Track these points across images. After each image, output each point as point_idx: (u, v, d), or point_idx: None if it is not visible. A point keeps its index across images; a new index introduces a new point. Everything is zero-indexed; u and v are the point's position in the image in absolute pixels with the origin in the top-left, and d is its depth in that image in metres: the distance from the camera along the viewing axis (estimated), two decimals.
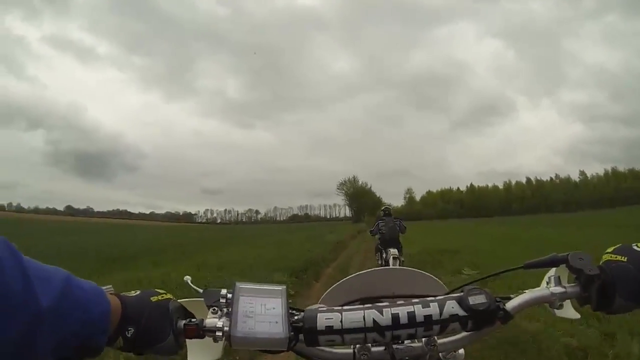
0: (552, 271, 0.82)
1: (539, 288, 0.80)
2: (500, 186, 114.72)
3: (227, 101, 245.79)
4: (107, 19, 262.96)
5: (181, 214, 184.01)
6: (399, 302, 0.76)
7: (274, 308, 0.72)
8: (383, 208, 10.34)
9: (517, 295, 0.79)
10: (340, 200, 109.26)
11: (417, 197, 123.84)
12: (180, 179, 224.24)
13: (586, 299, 0.76)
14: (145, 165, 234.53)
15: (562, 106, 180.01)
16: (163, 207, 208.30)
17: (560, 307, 0.78)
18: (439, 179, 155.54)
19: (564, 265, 0.78)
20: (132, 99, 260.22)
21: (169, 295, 0.75)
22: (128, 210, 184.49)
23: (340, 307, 0.77)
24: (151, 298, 0.72)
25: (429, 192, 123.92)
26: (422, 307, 0.74)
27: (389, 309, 0.74)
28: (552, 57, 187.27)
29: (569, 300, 0.78)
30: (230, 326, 0.69)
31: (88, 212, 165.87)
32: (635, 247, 0.75)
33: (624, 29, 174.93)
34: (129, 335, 0.67)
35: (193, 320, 0.74)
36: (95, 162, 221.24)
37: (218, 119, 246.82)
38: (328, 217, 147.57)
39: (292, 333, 0.72)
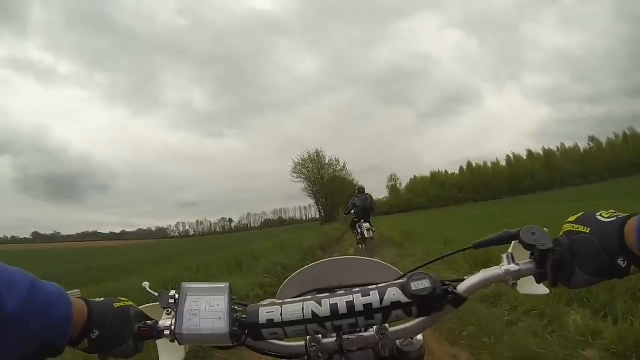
0: (510, 248, 0.78)
1: (493, 267, 0.77)
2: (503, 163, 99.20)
3: (195, 112, 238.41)
4: (65, 37, 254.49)
5: (154, 229, 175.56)
6: (339, 293, 0.76)
7: (217, 305, 0.74)
8: (358, 187, 12.26)
9: (469, 277, 0.78)
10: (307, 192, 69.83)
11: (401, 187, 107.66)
12: (155, 194, 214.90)
13: (543, 275, 0.73)
14: (118, 184, 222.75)
15: (527, 91, 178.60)
16: (139, 224, 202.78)
17: (515, 285, 0.75)
18: (411, 171, 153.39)
19: (518, 241, 0.75)
20: (98, 117, 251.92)
21: (130, 302, 0.79)
22: (98, 231, 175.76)
23: (281, 301, 0.77)
24: (114, 304, 0.76)
25: (415, 179, 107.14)
26: (362, 296, 0.73)
27: (327, 299, 0.74)
28: (514, 44, 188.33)
29: (531, 277, 0.75)
30: (175, 324, 0.72)
31: (55, 237, 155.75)
32: (599, 217, 0.70)
33: (581, 12, 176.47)
34: (94, 337, 0.70)
35: (148, 322, 0.77)
36: (65, 184, 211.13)
37: (187, 131, 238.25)
38: (304, 219, 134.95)
39: (238, 328, 0.74)
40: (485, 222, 16.35)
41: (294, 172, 60.74)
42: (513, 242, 0.78)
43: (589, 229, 0.69)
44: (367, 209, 11.34)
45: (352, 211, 11.69)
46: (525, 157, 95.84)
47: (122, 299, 0.79)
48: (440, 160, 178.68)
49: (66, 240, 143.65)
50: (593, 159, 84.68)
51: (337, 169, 63.46)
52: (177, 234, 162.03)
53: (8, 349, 0.58)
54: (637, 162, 73.47)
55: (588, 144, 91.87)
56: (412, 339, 0.87)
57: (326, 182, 61.85)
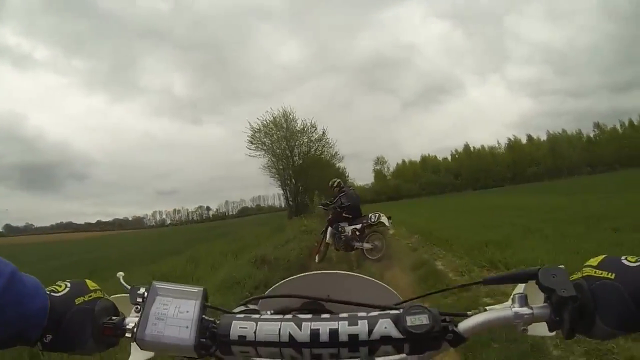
0: (521, 287, 0.70)
1: (502, 305, 0.69)
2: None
3: (175, 99, 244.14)
4: (42, 21, 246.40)
5: (130, 219, 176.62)
6: (322, 317, 0.67)
7: (187, 311, 0.67)
8: (337, 181, 10.18)
9: (474, 313, 0.68)
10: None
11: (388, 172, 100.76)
12: (134, 183, 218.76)
13: (558, 323, 0.64)
14: (96, 173, 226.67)
15: (510, 82, 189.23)
16: (118, 213, 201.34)
17: (525, 331, 0.67)
18: (393, 159, 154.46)
19: (534, 281, 0.67)
20: (76, 103, 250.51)
21: (97, 294, 0.72)
22: (73, 221, 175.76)
23: (257, 316, 0.68)
24: (76, 299, 0.69)
25: (403, 163, 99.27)
26: (348, 325, 0.64)
27: (308, 323, 0.65)
28: (498, 36, 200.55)
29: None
30: (138, 327, 0.66)
31: (27, 230, 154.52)
32: (625, 262, 0.62)
33: (568, 6, 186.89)
34: (47, 341, 0.66)
35: (113, 318, 0.70)
36: (41, 173, 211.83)
37: (167, 118, 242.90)
38: (282, 206, 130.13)
39: (207, 340, 0.67)
40: (514, 216, 13.22)
41: (251, 142, 37.87)
42: (523, 285, 0.69)
43: (613, 275, 0.61)
44: (358, 206, 9.75)
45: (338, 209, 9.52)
46: (524, 142, 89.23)
47: (90, 286, 0.71)
48: (422, 149, 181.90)
49: (39, 232, 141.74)
50: (600, 147, 78.91)
51: (312, 138, 40.24)
52: (153, 223, 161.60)
53: None
54: None
55: (593, 130, 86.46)
56: None
57: (297, 156, 39.65)
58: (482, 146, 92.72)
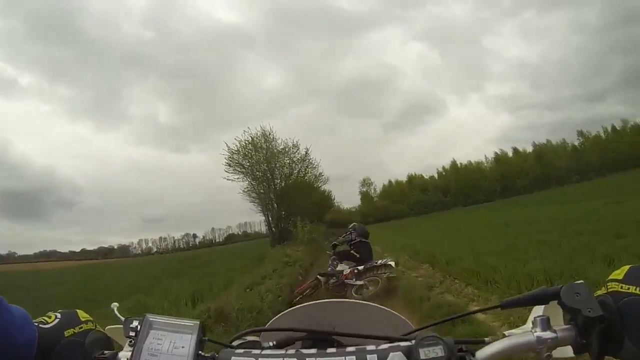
0: (541, 308, 0.66)
1: (521, 330, 0.65)
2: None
3: (160, 126, 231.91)
4: (27, 47, 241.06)
5: (116, 247, 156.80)
6: (328, 351, 0.64)
7: (182, 347, 0.64)
8: (354, 224, 9.84)
9: (493, 340, 0.65)
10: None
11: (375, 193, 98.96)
12: (121, 211, 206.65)
13: (585, 347, 0.60)
14: (82, 201, 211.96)
15: (488, 99, 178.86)
16: (104, 242, 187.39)
17: (549, 357, 0.62)
18: (379, 180, 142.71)
19: (556, 302, 0.63)
20: (61, 131, 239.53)
21: (89, 325, 0.71)
22: (57, 250, 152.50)
23: (258, 351, 0.67)
24: (66, 331, 0.68)
25: (389, 184, 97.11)
26: (356, 359, 0.61)
27: (313, 358, 0.63)
28: (475, 55, 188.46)
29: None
30: None
31: (9, 258, 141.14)
32: None
33: (539, 24, 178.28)
34: None
35: (105, 352, 0.69)
36: (26, 200, 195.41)
37: (152, 145, 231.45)
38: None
39: None
40: (532, 232, 11.46)
41: (229, 165, 34.87)
42: (544, 305, 0.65)
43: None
44: (369, 247, 9.02)
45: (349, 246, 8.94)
46: (511, 155, 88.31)
47: (82, 317, 0.71)
48: (407, 169, 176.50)
49: (22, 260, 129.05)
50: (587, 154, 78.71)
51: (294, 159, 37.35)
52: (139, 252, 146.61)
53: None
54: (634, 154, 68.05)
55: (577, 138, 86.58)
56: None
57: (279, 178, 36.45)
58: (469, 161, 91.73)
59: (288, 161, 37.11)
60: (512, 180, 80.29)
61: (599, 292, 0.60)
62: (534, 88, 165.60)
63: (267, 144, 35.79)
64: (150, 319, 0.66)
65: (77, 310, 0.71)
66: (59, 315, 0.68)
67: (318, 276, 8.51)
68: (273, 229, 35.78)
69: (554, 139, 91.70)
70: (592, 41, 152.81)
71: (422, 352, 0.57)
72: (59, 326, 0.66)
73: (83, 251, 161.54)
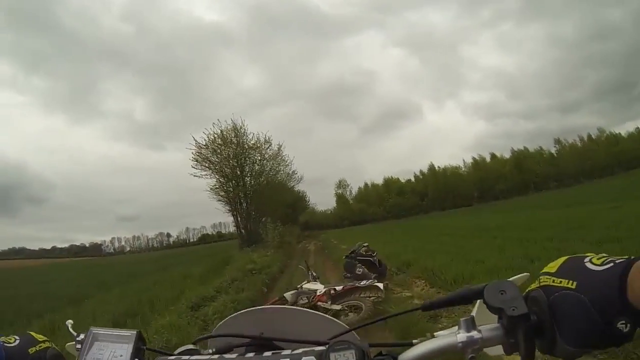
0: (474, 308, 0.65)
1: (447, 331, 0.62)
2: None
3: (136, 123, 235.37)
4: (1, 36, 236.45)
5: (87, 245, 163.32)
6: (247, 356, 0.66)
7: (121, 356, 0.68)
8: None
9: (419, 342, 0.62)
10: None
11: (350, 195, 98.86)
12: (94, 208, 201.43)
13: (513, 346, 0.57)
14: (54, 197, 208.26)
15: (465, 107, 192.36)
16: (76, 239, 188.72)
17: (473, 359, 0.59)
18: (355, 183, 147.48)
19: (482, 301, 0.60)
20: (34, 124, 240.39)
21: (47, 344, 0.76)
22: (26, 247, 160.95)
23: (187, 357, 0.69)
24: (30, 349, 0.72)
25: (365, 187, 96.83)
26: None
27: None
28: (453, 63, 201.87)
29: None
30: None
31: None
32: (589, 265, 0.54)
33: (517, 35, 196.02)
34: None
35: None
36: None
37: (127, 142, 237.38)
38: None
39: None
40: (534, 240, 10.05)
41: (196, 160, 32.02)
42: (478, 301, 0.63)
43: (574, 284, 0.53)
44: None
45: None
46: (489, 160, 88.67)
47: (39, 337, 0.75)
48: (383, 172, 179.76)
49: None
50: (564, 161, 79.63)
51: (266, 155, 34.58)
52: (112, 251, 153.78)
53: None
54: (609, 162, 71.74)
55: (554, 146, 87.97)
56: None
57: (249, 175, 33.61)
58: (448, 166, 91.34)
59: (259, 158, 34.29)
60: (490, 185, 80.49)
61: (532, 286, 0.58)
62: (510, 97, 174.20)
63: (238, 139, 32.84)
64: (94, 331, 0.69)
65: (31, 332, 0.74)
66: (17, 337, 0.71)
67: (284, 295, 6.87)
68: (242, 230, 33.57)
69: (529, 147, 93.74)
70: (567, 54, 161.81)
71: (333, 356, 0.57)
72: (23, 344, 0.70)
73: (54, 249, 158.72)
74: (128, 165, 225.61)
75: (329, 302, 6.08)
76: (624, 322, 0.49)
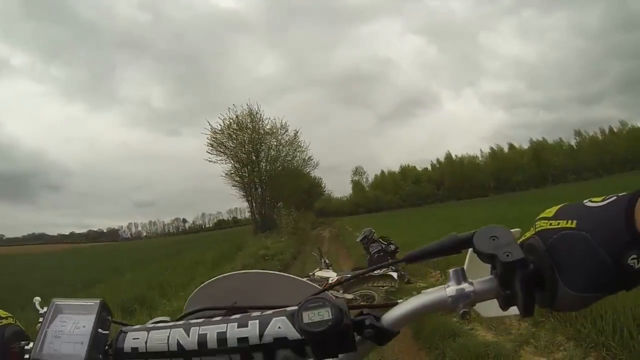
0: (466, 261, 0.60)
1: (436, 288, 0.56)
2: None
3: (153, 110, 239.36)
4: (21, 26, 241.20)
5: (105, 230, 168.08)
6: (213, 320, 0.61)
7: (84, 326, 0.64)
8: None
9: (403, 301, 0.58)
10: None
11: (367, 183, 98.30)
12: (111, 194, 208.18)
13: (510, 298, 0.50)
14: (72, 183, 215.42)
15: (483, 96, 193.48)
16: (94, 225, 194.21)
17: (466, 315, 0.53)
18: (371, 171, 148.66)
19: (472, 250, 0.54)
20: (52, 112, 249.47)
21: (8, 320, 0.72)
22: (46, 233, 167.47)
23: (152, 324, 0.65)
24: None
25: (382, 174, 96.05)
26: (238, 327, 0.58)
27: (197, 327, 0.60)
28: (472, 51, 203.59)
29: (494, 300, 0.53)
30: (34, 348, 0.64)
31: None
32: (588, 204, 0.49)
33: (539, 24, 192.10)
34: None
35: (22, 343, 0.68)
36: (15, 182, 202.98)
37: (145, 129, 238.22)
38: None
39: (103, 356, 0.64)
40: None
41: (211, 145, 31.82)
42: (469, 252, 0.58)
43: (574, 222, 0.47)
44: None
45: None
46: (507, 150, 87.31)
47: (2, 313, 0.72)
48: (400, 161, 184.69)
49: (9, 243, 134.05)
50: (583, 154, 77.97)
51: (282, 141, 34.16)
52: (128, 236, 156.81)
53: None
54: (630, 157, 68.33)
55: (575, 138, 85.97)
56: None
57: (265, 161, 33.17)
58: (465, 155, 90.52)
59: (275, 143, 34.10)
60: (507, 175, 79.38)
61: (527, 235, 0.52)
62: (530, 87, 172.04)
63: (253, 124, 32.59)
64: (57, 302, 0.66)
65: None
66: None
67: None
68: (256, 216, 33.40)
69: (548, 138, 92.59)
70: (590, 44, 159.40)
71: (306, 315, 0.53)
72: None
73: (72, 234, 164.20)
74: (145, 152, 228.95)
75: (341, 291, 5.87)
76: (635, 256, 0.43)
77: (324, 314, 0.52)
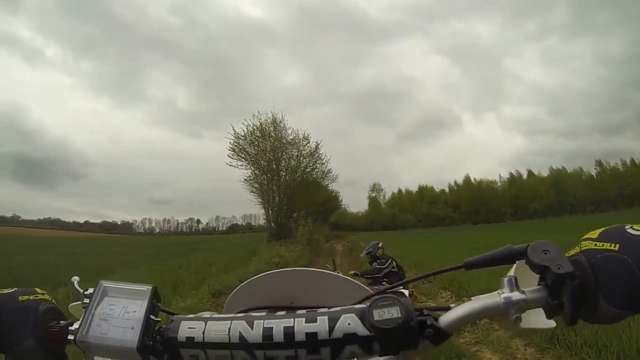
0: (512, 270, 0.61)
1: (489, 294, 0.59)
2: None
3: (177, 111, 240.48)
4: (56, 20, 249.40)
5: (119, 223, 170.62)
6: (278, 314, 0.61)
7: (134, 311, 0.63)
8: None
9: (457, 305, 0.60)
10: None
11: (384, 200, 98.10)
12: (128, 188, 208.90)
13: (557, 308, 0.54)
14: (92, 174, 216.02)
15: (504, 121, 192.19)
16: (108, 216, 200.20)
17: (518, 320, 0.56)
18: (389, 188, 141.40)
19: (524, 261, 0.58)
20: (79, 104, 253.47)
21: (44, 297, 0.70)
22: (61, 219, 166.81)
23: (209, 315, 0.64)
24: (20, 296, 0.68)
25: (399, 192, 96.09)
26: (306, 322, 0.57)
27: (261, 321, 0.59)
28: (495, 76, 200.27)
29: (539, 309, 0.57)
30: (80, 328, 0.62)
31: (13, 221, 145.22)
32: (630, 230, 0.53)
33: (562, 51, 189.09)
34: None
35: (61, 322, 0.67)
36: (37, 167, 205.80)
37: (167, 128, 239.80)
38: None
39: (154, 343, 0.62)
40: None
41: (233, 150, 32.21)
42: (517, 262, 0.60)
43: (617, 246, 0.52)
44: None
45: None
46: (525, 177, 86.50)
47: (38, 290, 0.70)
48: (418, 180, 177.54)
49: (24, 225, 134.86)
50: (604, 185, 76.80)
51: (303, 152, 34.68)
52: (142, 231, 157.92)
53: None
54: None
55: (595, 168, 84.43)
56: None
57: (284, 170, 33.82)
58: (483, 179, 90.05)
59: (296, 153, 34.32)
60: (525, 202, 78.65)
61: (572, 252, 0.56)
62: (551, 114, 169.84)
63: (276, 133, 33.08)
64: (104, 284, 0.65)
65: (36, 288, 0.70)
66: (16, 288, 0.68)
67: None
68: (272, 223, 33.59)
69: (568, 167, 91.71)
70: (614, 73, 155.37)
71: (376, 313, 0.54)
72: (14, 293, 0.66)
73: (86, 223, 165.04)
74: (165, 150, 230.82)
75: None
76: None
77: (394, 312, 0.54)
